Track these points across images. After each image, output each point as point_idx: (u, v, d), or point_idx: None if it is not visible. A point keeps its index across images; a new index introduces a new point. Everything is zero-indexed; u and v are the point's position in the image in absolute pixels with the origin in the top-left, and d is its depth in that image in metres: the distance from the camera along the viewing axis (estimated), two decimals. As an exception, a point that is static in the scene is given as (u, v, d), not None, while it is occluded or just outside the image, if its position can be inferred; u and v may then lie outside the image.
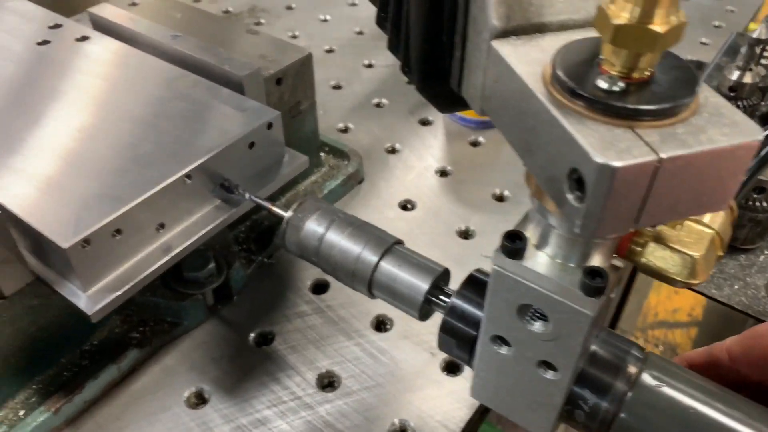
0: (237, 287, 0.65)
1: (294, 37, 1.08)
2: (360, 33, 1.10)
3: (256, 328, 0.62)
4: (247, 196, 0.54)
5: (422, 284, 0.48)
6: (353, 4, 1.17)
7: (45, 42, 0.67)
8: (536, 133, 0.33)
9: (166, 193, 0.50)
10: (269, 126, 0.57)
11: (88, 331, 0.59)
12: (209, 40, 0.67)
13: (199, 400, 0.57)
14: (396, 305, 0.50)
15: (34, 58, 0.65)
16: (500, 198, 0.78)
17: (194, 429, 0.54)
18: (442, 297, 0.48)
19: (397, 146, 0.85)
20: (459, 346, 0.48)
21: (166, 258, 0.50)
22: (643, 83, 0.31)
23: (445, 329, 0.48)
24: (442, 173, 0.81)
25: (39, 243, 0.48)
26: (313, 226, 0.50)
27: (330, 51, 1.05)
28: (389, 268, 0.49)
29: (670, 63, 0.32)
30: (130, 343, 0.59)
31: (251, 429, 0.54)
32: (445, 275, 0.50)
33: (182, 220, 0.53)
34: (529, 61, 0.34)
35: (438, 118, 0.90)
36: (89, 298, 0.47)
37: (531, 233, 0.40)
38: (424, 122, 0.90)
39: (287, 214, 0.51)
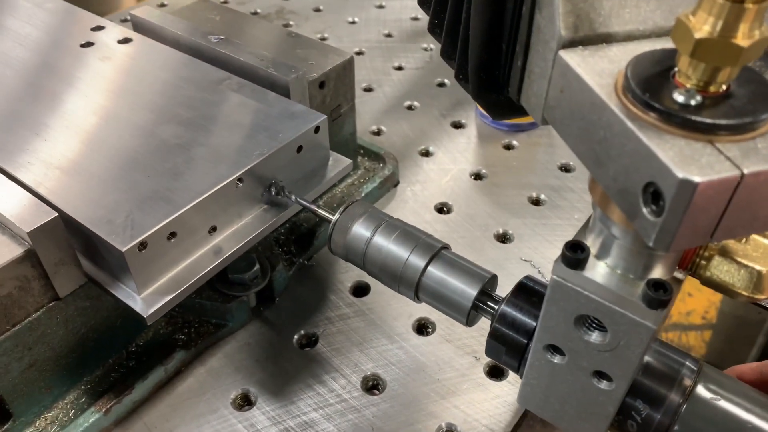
0: (279, 289, 0.65)
1: (323, 39, 1.08)
2: (388, 35, 1.10)
3: (299, 330, 0.63)
4: (293, 198, 0.55)
5: (470, 290, 0.48)
6: (381, 6, 1.18)
7: (88, 44, 0.68)
8: (607, 145, 0.33)
9: (219, 196, 0.51)
10: (316, 130, 0.58)
11: (134, 332, 0.59)
12: (250, 43, 0.67)
13: (245, 402, 0.57)
14: (442, 310, 0.51)
15: (78, 59, 0.65)
16: (536, 202, 0.78)
17: (242, 431, 0.55)
18: (490, 303, 0.48)
19: (431, 149, 0.85)
20: (508, 353, 0.48)
21: (219, 260, 0.51)
22: (720, 97, 0.31)
23: (494, 336, 0.48)
24: (477, 176, 0.81)
25: (93, 245, 0.48)
26: (360, 229, 0.51)
27: (359, 53, 1.05)
28: (437, 273, 0.49)
29: (746, 76, 0.32)
30: (176, 345, 0.59)
31: None
32: (492, 281, 0.50)
33: (233, 222, 0.53)
34: (599, 71, 0.34)
35: (470, 120, 0.91)
36: (144, 301, 0.48)
37: (591, 243, 0.40)
38: (457, 125, 0.90)
39: (334, 217, 0.52)
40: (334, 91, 0.68)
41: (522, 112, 0.43)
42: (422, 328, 0.64)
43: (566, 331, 0.40)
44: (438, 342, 0.62)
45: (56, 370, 0.53)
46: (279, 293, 0.65)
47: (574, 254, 0.38)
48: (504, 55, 0.41)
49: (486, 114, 0.88)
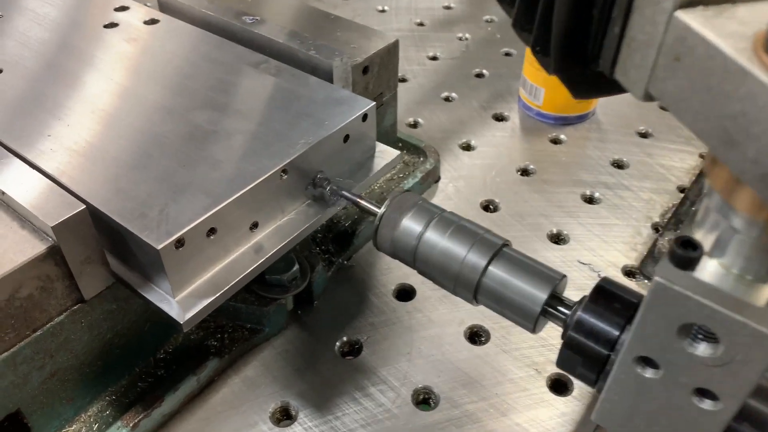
0: (318, 292, 0.60)
1: (353, 28, 1.03)
2: (420, 24, 1.04)
3: (341, 336, 0.57)
4: (328, 189, 0.49)
5: (539, 293, 0.43)
6: (412, -5, 1.12)
7: (112, 25, 0.63)
8: (746, 120, 0.28)
9: (262, 189, 0.46)
10: (364, 118, 0.52)
11: (163, 338, 0.54)
12: (286, 25, 0.62)
13: (285, 415, 0.52)
14: (505, 315, 0.45)
15: (102, 41, 0.60)
16: (590, 200, 0.72)
17: (283, 448, 0.49)
18: (561, 308, 0.43)
19: (473, 142, 0.80)
20: (585, 365, 0.42)
21: (261, 260, 0.46)
22: None
23: (570, 346, 0.42)
24: (524, 172, 0.76)
25: (123, 242, 0.43)
26: (410, 223, 0.45)
27: (392, 43, 1.00)
28: (499, 273, 0.44)
29: None
30: (208, 352, 0.54)
31: (346, 450, 0.49)
32: (562, 283, 0.45)
33: (275, 218, 0.48)
34: (730, 34, 0.29)
35: (513, 113, 0.85)
36: (180, 305, 0.43)
37: (702, 238, 0.34)
38: (499, 117, 0.85)
39: (381, 210, 0.46)
40: (378, 77, 0.62)
41: (612, 88, 0.38)
42: (474, 336, 0.58)
43: (666, 341, 0.35)
44: (494, 352, 0.56)
45: (79, 380, 0.48)
46: (318, 296, 0.60)
47: (686, 252, 0.32)
48: (596, 21, 0.36)
49: (530, 106, 0.83)
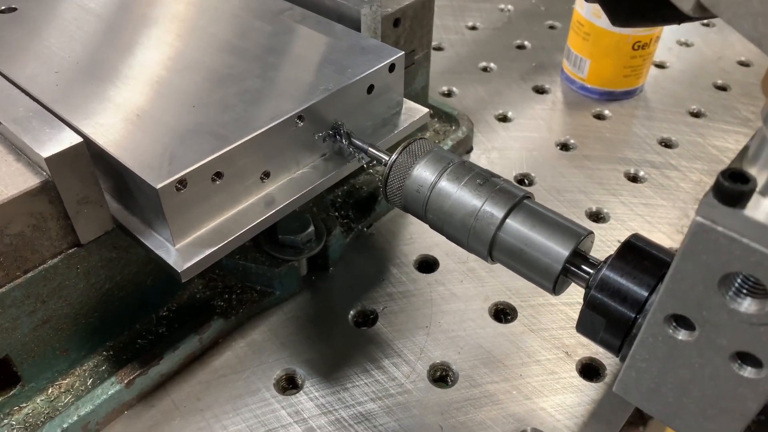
0: (334, 257, 0.56)
1: (390, -6, 0.99)
2: (459, -8, 1.00)
3: (356, 305, 0.54)
4: (340, 132, 0.46)
5: (561, 250, 0.38)
6: (451, -38, 1.07)
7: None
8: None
9: (276, 134, 0.42)
10: (391, 68, 0.48)
11: (167, 294, 0.51)
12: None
13: (290, 384, 0.49)
14: (523, 273, 0.41)
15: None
16: (634, 178, 0.67)
17: (285, 418, 0.46)
18: (585, 267, 0.39)
19: (510, 114, 0.75)
20: (609, 329, 0.38)
21: (270, 212, 0.42)
22: None
23: (593, 306, 0.37)
24: (564, 146, 0.71)
25: (124, 182, 0.40)
26: (423, 172, 0.42)
27: (430, 11, 0.95)
28: (518, 227, 0.39)
29: None
30: (214, 312, 0.51)
31: (353, 424, 0.45)
32: (587, 240, 0.40)
33: (289, 169, 0.45)
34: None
35: (555, 86, 0.80)
36: (180, 253, 0.39)
37: (756, 174, 0.29)
38: (539, 90, 0.80)
39: (391, 157, 0.42)
40: (410, 32, 0.58)
41: (656, 14, 0.33)
42: (500, 313, 0.54)
43: (704, 295, 0.29)
44: (520, 331, 0.52)
45: (74, 330, 0.45)
46: (334, 262, 0.56)
47: (734, 185, 0.27)
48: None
49: (574, 78, 0.77)
